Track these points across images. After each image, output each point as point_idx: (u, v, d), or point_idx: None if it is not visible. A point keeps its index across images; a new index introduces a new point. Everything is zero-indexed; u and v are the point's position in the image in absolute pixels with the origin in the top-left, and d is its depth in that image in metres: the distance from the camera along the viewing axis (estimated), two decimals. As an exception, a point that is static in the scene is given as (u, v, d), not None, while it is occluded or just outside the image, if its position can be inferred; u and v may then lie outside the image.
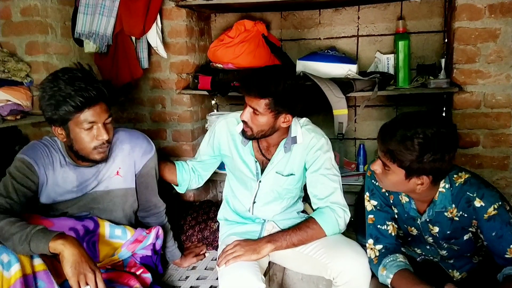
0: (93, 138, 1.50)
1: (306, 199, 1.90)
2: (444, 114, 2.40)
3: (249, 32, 2.40)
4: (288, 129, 1.72)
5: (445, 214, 1.45)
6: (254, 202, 1.81)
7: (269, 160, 1.76)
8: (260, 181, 1.78)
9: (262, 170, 1.77)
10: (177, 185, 1.92)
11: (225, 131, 1.81)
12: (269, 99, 1.57)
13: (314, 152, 1.70)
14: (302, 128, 1.73)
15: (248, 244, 1.61)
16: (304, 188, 1.84)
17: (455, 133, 1.33)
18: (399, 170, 1.34)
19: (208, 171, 1.94)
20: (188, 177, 1.89)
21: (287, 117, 1.63)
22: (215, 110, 2.83)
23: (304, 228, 1.64)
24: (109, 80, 2.40)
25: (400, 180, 1.37)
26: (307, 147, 1.71)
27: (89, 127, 1.48)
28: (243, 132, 1.70)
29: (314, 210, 1.74)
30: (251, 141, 1.75)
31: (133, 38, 2.36)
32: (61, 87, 1.42)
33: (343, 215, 1.65)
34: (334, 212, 1.65)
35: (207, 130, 2.59)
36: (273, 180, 1.76)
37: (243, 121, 1.66)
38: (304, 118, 1.79)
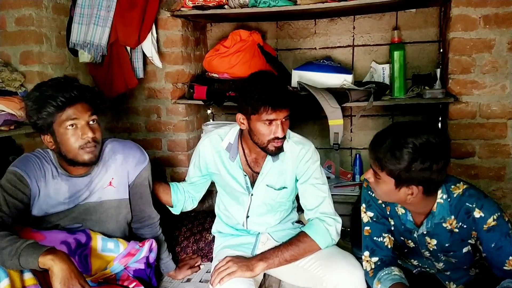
0: (78, 137, 1.50)
1: (301, 209, 1.89)
2: (440, 124, 2.39)
3: (245, 42, 2.41)
4: None
5: (444, 225, 1.43)
6: (247, 217, 1.80)
7: (258, 173, 1.75)
8: (252, 194, 1.76)
9: (253, 184, 1.76)
10: (171, 207, 1.91)
11: (209, 150, 1.80)
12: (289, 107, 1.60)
13: (304, 164, 1.71)
14: (289, 141, 1.72)
15: (241, 260, 1.58)
16: (297, 198, 1.83)
17: (445, 144, 1.32)
18: (389, 178, 1.34)
19: (200, 191, 1.94)
20: (182, 198, 1.89)
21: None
22: (210, 120, 2.83)
23: (295, 242, 1.62)
24: (100, 90, 2.41)
25: (390, 189, 1.36)
26: (297, 159, 1.71)
27: (72, 124, 1.48)
28: (279, 149, 1.65)
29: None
30: (238, 156, 1.75)
31: (128, 48, 2.35)
32: (43, 91, 1.46)
33: (334, 224, 1.65)
34: (323, 223, 1.64)
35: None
36: (264, 192, 1.75)
37: (283, 137, 1.62)
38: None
